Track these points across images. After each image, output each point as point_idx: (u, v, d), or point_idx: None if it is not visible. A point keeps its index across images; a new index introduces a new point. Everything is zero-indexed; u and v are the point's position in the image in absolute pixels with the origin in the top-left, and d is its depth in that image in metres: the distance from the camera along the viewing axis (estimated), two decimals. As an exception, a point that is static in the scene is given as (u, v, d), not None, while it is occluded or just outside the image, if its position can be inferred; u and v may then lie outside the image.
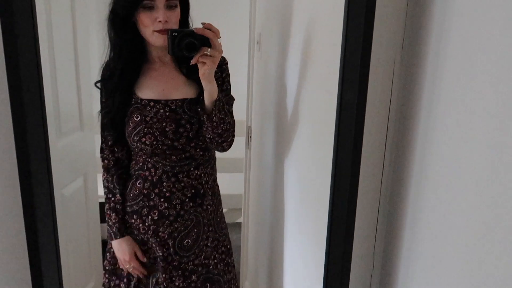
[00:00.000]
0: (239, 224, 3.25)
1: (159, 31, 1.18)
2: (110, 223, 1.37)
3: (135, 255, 1.35)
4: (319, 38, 1.09)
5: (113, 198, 1.36)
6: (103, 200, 2.98)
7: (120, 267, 1.39)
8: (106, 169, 1.38)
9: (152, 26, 1.18)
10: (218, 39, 1.12)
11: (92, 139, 2.14)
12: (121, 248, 1.34)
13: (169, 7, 1.18)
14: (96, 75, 1.35)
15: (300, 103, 1.27)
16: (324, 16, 1.06)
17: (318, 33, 1.11)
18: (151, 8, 1.17)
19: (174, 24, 1.20)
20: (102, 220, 2.46)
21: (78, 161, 2.04)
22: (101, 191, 2.54)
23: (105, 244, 1.49)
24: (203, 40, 1.10)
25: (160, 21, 1.17)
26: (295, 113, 1.32)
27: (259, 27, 2.11)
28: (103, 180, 1.39)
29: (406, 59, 0.77)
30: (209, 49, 1.10)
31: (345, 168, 0.76)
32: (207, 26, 1.11)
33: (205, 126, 1.25)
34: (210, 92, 1.19)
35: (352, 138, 0.72)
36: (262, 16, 2.02)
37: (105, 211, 1.38)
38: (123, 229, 1.35)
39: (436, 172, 0.68)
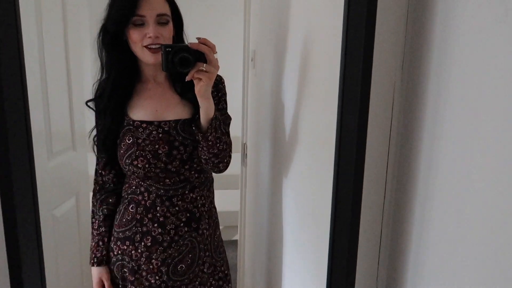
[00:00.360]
0: (235, 242, 3.21)
1: (149, 47, 1.15)
2: (90, 247, 1.37)
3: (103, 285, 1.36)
4: (317, 55, 1.08)
5: (94, 224, 1.37)
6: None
7: None
8: (94, 193, 1.38)
9: (142, 42, 1.16)
10: (215, 55, 1.09)
11: (85, 158, 2.11)
12: (92, 274, 1.36)
13: (160, 23, 1.16)
14: (89, 93, 1.33)
15: (298, 122, 1.24)
16: (321, 33, 1.04)
17: (315, 50, 1.09)
18: (141, 24, 1.15)
19: (166, 40, 1.17)
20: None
21: (70, 181, 2.00)
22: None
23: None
24: (198, 55, 1.07)
25: (150, 37, 1.14)
26: (293, 132, 1.30)
27: (253, 44, 2.11)
28: (91, 203, 1.40)
29: (407, 79, 0.76)
30: (204, 65, 1.07)
31: (347, 191, 0.73)
32: (202, 41, 1.07)
33: (200, 145, 1.20)
34: (206, 110, 1.15)
35: (353, 162, 0.70)
36: (256, 33, 2.02)
37: None
38: (95, 257, 1.34)
39: (442, 198, 0.66)
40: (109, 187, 1.37)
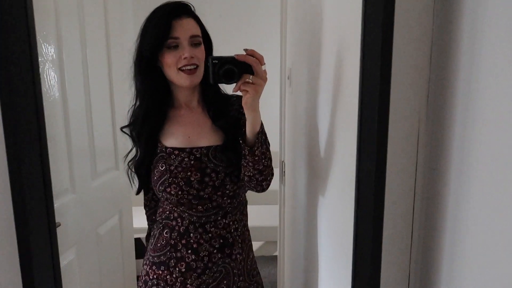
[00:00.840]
0: (276, 258, 3.20)
1: (184, 68, 1.17)
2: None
3: None
4: (349, 75, 1.06)
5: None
6: (138, 235, 3.02)
7: None
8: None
9: (177, 65, 1.18)
10: (262, 66, 1.06)
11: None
12: None
13: (194, 44, 1.19)
14: (128, 116, 1.36)
15: (333, 143, 1.22)
16: (353, 52, 1.03)
17: (347, 70, 1.07)
18: (175, 47, 1.17)
19: (200, 61, 1.19)
20: (138, 255, 2.49)
21: (114, 199, 2.07)
22: (136, 224, 2.58)
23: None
24: (244, 67, 1.04)
25: (185, 58, 1.16)
26: (327, 152, 1.28)
27: (289, 62, 2.12)
28: None
29: (432, 115, 0.73)
30: (251, 76, 1.04)
31: (367, 236, 0.71)
32: (249, 53, 1.05)
33: (245, 161, 1.18)
34: (253, 123, 1.12)
35: (371, 221, 0.68)
36: (292, 51, 2.03)
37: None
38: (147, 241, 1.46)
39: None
40: (150, 204, 1.46)
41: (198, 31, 1.21)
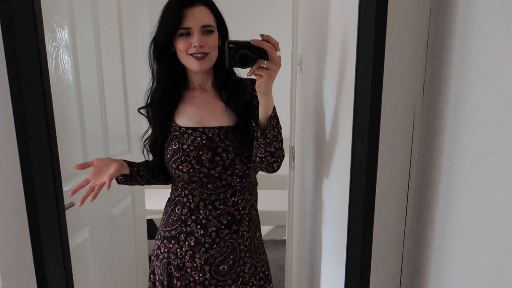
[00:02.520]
0: (285, 242, 3.24)
1: (194, 55, 1.22)
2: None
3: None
4: (353, 61, 1.07)
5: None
6: (150, 216, 3.07)
7: None
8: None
9: (187, 51, 1.22)
10: (277, 52, 1.08)
11: (140, 159, 2.23)
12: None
13: (205, 32, 1.22)
14: (145, 98, 1.41)
15: (338, 130, 1.24)
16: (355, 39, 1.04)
17: (351, 56, 1.08)
18: (187, 34, 1.22)
19: (210, 49, 1.23)
20: (150, 236, 2.55)
21: (126, 181, 2.12)
22: (148, 206, 2.63)
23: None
24: (260, 52, 1.07)
25: (195, 46, 1.20)
26: (332, 140, 1.31)
27: (300, 48, 2.13)
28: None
29: (427, 105, 0.75)
30: (265, 62, 1.07)
31: (359, 207, 0.74)
32: (265, 38, 1.07)
33: (257, 143, 1.22)
34: (265, 107, 1.15)
35: (363, 197, 0.70)
36: (303, 38, 2.03)
37: None
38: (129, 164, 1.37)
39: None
40: (153, 167, 1.43)
41: (210, 20, 1.24)
